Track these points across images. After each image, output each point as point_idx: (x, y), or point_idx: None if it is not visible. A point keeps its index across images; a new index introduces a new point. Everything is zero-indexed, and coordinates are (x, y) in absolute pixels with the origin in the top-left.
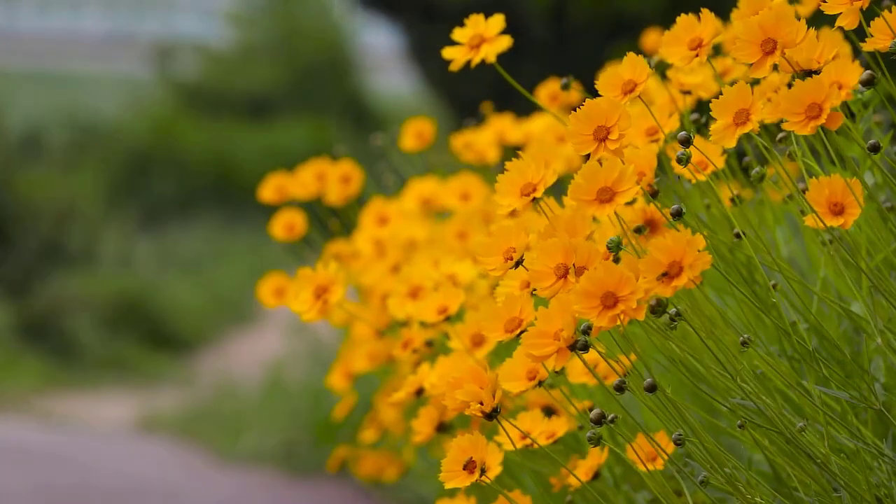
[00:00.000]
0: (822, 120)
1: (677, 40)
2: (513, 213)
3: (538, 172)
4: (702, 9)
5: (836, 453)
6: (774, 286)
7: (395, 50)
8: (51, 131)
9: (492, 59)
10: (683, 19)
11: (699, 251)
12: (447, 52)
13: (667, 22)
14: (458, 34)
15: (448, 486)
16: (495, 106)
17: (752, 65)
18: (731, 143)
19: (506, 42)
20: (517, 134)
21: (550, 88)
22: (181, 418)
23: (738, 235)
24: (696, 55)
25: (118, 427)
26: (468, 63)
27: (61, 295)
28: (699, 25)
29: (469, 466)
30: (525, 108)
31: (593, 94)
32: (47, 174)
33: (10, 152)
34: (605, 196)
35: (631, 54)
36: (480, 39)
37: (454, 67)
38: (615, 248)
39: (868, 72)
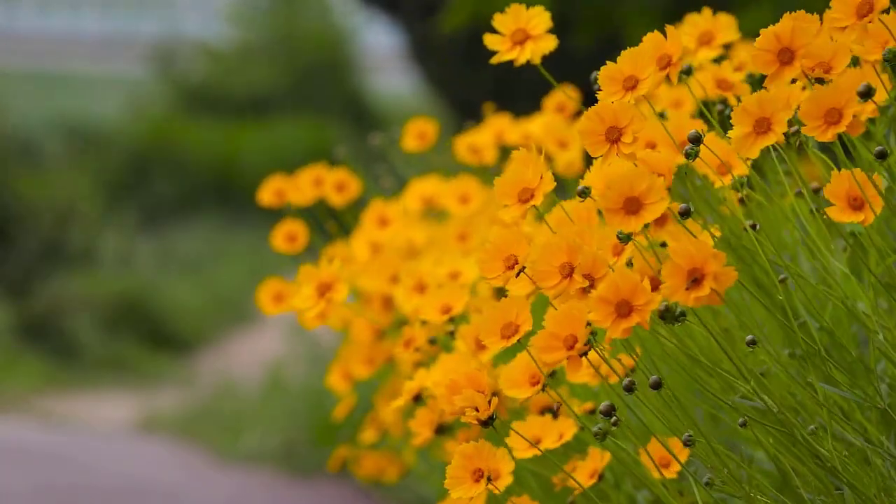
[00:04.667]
0: (842, 127)
1: (649, 59)
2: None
3: (535, 176)
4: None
5: (842, 453)
6: (783, 280)
7: (395, 50)
8: (51, 131)
9: (537, 60)
10: (651, 37)
11: (724, 265)
12: (488, 40)
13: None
14: (498, 21)
15: (454, 494)
16: (495, 106)
17: (768, 76)
18: (754, 154)
19: (552, 42)
20: (516, 134)
21: (557, 98)
22: (181, 418)
23: (752, 226)
24: (667, 74)
25: (118, 427)
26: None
27: (61, 295)
28: (667, 43)
29: (476, 475)
30: (525, 109)
31: (594, 96)
32: (47, 174)
33: (9, 153)
34: (633, 208)
35: (632, 49)
36: (524, 35)
37: (495, 61)
38: (626, 239)
39: (865, 83)
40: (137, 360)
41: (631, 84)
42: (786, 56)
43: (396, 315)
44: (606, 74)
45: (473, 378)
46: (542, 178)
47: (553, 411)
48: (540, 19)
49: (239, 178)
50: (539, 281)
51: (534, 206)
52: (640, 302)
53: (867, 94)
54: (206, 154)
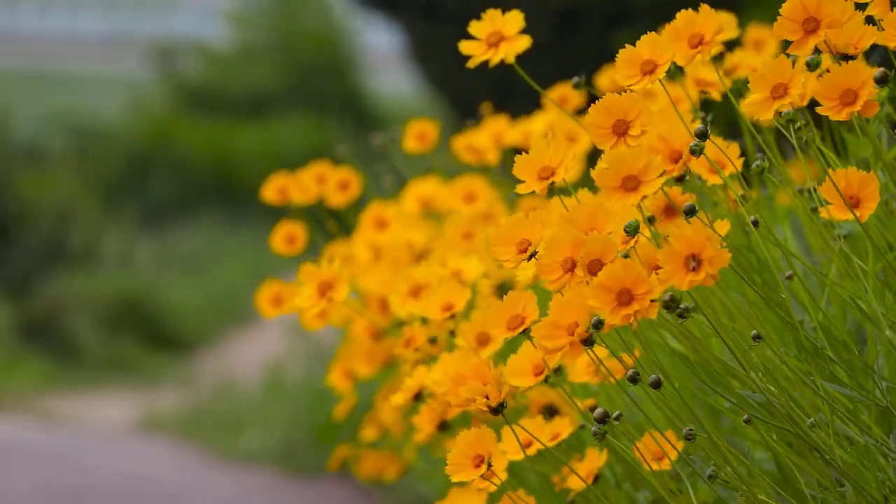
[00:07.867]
0: (857, 107)
1: (678, 36)
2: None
3: (557, 155)
4: (702, 3)
5: (844, 450)
6: (790, 277)
7: (395, 50)
8: (51, 131)
9: (511, 59)
10: (683, 14)
11: (720, 248)
12: (464, 46)
13: (668, 18)
14: (474, 28)
15: (454, 479)
16: (495, 105)
17: (792, 43)
18: (768, 116)
19: (525, 42)
20: (514, 135)
21: (560, 91)
22: (181, 418)
23: (754, 223)
24: (699, 52)
25: (118, 427)
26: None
27: (61, 295)
28: (700, 20)
29: (476, 460)
30: (526, 108)
31: (595, 91)
32: (48, 174)
33: (10, 153)
34: (631, 185)
35: (651, 33)
36: (499, 37)
37: (471, 64)
38: (633, 231)
39: (881, 69)
40: (137, 360)
41: (649, 68)
42: (811, 25)
43: (395, 316)
44: (625, 58)
45: (479, 370)
46: (563, 156)
47: (553, 410)
48: (514, 21)
49: (239, 177)
50: (542, 274)
51: (552, 183)
52: (641, 291)
53: (883, 80)
54: (206, 154)
